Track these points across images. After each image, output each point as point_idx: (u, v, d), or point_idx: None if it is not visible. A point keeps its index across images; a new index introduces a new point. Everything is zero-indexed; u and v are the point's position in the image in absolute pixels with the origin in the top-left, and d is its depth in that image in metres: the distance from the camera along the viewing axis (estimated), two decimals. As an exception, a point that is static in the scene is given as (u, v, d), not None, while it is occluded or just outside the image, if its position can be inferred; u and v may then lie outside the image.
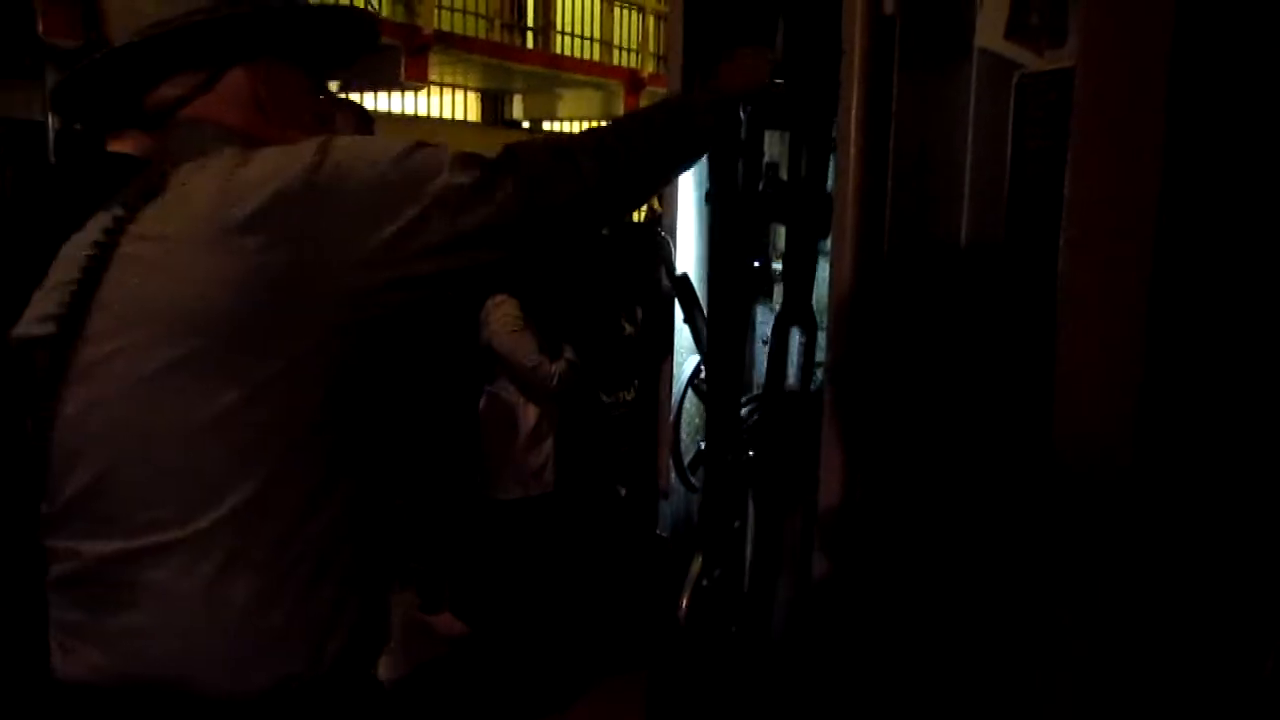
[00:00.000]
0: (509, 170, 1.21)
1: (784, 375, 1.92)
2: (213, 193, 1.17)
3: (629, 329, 4.43)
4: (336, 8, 1.50)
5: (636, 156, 1.33)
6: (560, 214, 1.26)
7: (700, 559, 1.93)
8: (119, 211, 1.22)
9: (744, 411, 1.98)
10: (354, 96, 7.07)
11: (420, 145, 1.22)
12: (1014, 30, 1.58)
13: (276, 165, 1.17)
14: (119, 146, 2.29)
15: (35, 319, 1.25)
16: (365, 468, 1.26)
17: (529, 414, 3.90)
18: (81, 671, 1.21)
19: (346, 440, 1.23)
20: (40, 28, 5.87)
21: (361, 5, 8.44)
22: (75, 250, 1.24)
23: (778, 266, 1.97)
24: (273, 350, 1.14)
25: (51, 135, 5.60)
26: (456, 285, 1.25)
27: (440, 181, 1.18)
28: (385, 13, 8.70)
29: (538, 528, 3.92)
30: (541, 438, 3.90)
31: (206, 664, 1.17)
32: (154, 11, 1.28)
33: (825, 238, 1.80)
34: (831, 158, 1.72)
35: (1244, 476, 1.34)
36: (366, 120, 3.03)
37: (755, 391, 2.02)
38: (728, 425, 1.93)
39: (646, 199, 1.33)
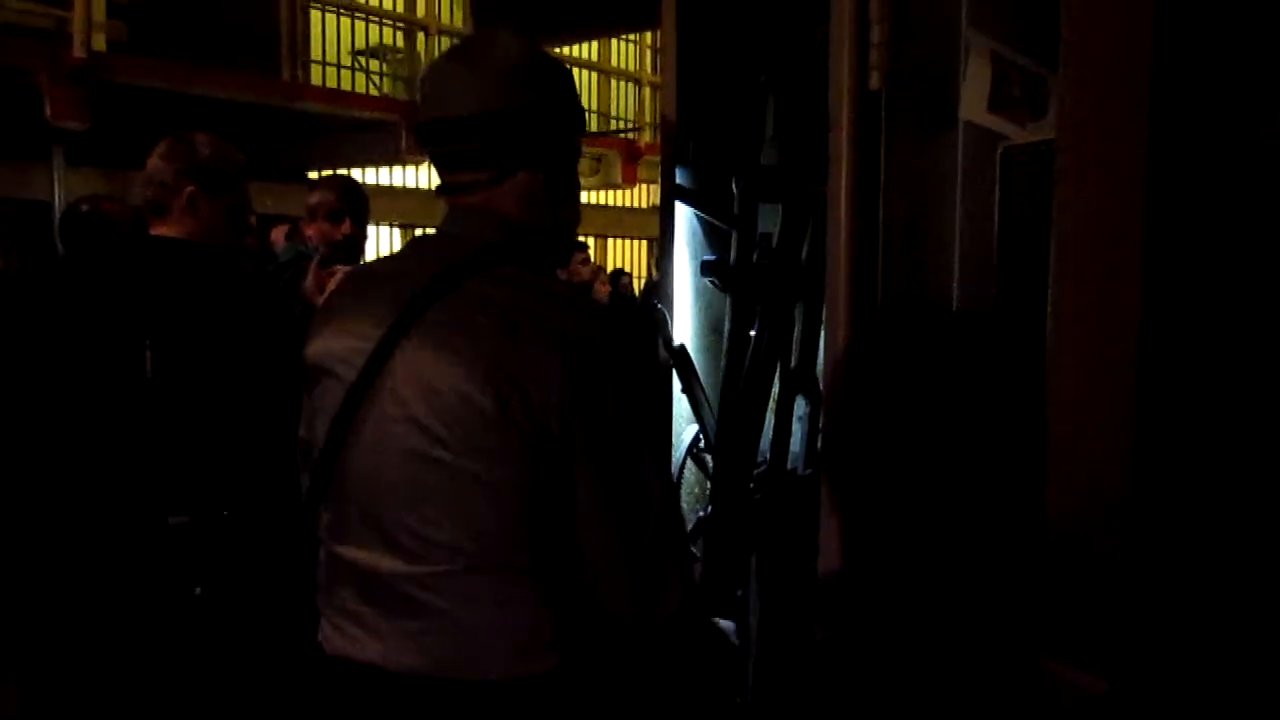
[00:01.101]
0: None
1: (788, 442, 1.93)
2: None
3: None
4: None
5: None
6: None
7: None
8: (421, 287, 1.37)
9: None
10: (354, 172, 7.17)
11: None
12: (996, 103, 1.61)
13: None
14: (163, 230, 2.34)
15: (337, 355, 1.41)
16: None
17: None
18: (356, 652, 1.40)
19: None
20: (47, 110, 5.96)
21: (363, 84, 8.58)
22: (362, 305, 1.42)
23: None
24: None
25: (57, 216, 5.67)
26: None
27: None
28: (386, 89, 8.84)
29: None
30: None
31: (488, 658, 1.36)
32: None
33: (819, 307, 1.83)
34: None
35: (1238, 538, 1.35)
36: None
37: (760, 457, 2.03)
38: (735, 494, 1.94)
39: None
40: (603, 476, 1.34)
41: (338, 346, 1.42)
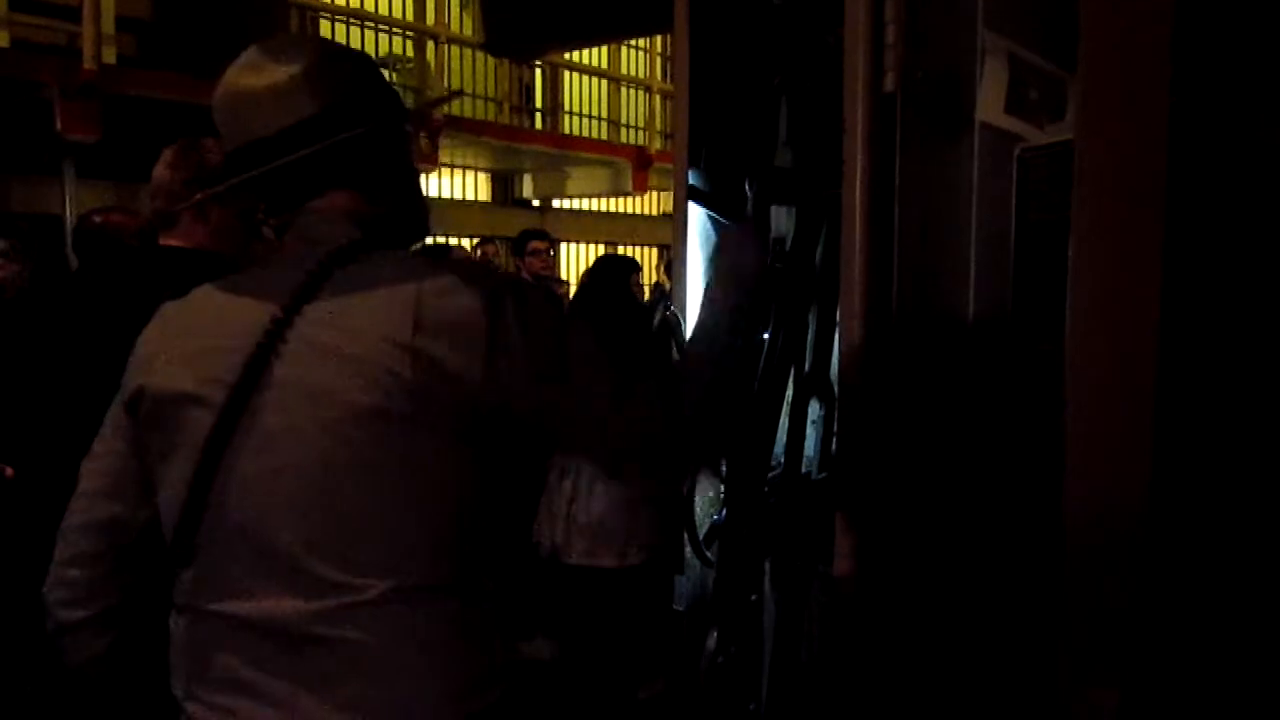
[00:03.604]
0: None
1: (803, 447, 1.92)
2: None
3: None
4: None
5: None
6: None
7: (716, 634, 1.92)
8: (285, 299, 1.29)
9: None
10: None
11: None
12: (1014, 105, 1.60)
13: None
14: (173, 241, 2.34)
15: (200, 380, 1.30)
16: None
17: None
18: None
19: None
20: (58, 124, 5.98)
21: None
22: (222, 322, 1.33)
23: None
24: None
25: (68, 230, 5.68)
26: None
27: None
28: (397, 99, 8.84)
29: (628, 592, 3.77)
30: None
31: (421, 705, 1.24)
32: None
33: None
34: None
35: (1259, 547, 1.34)
36: None
37: (773, 460, 2.02)
38: (750, 499, 1.93)
39: None
40: (553, 372, 1.28)
41: (193, 373, 1.31)
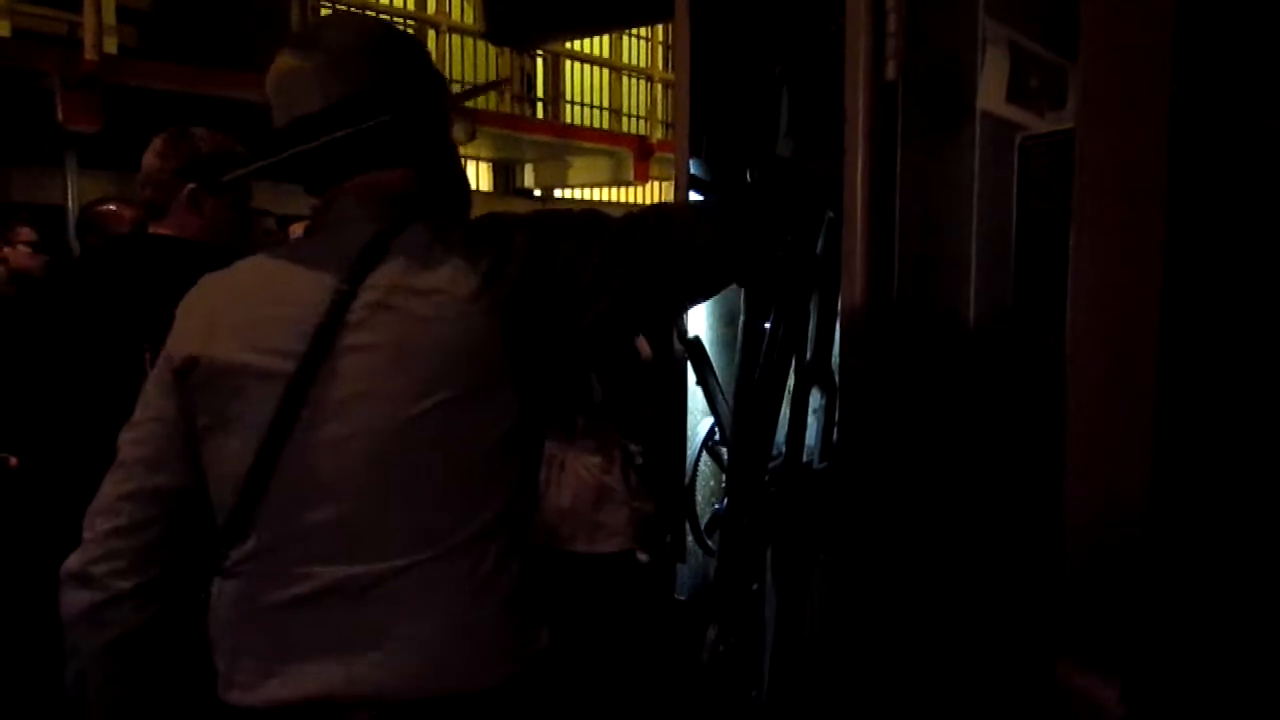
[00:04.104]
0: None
1: (804, 436, 1.92)
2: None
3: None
4: None
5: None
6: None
7: (717, 622, 1.93)
8: (344, 270, 1.32)
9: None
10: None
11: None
12: (1015, 94, 1.60)
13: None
14: (162, 230, 2.32)
15: (260, 351, 1.33)
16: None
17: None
18: (294, 691, 1.27)
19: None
20: (59, 114, 5.98)
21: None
22: (277, 294, 1.36)
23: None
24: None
25: (71, 221, 5.68)
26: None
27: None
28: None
29: (601, 581, 3.81)
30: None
31: (472, 658, 1.29)
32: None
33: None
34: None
35: (1261, 542, 1.34)
36: None
37: (774, 450, 2.02)
38: (751, 488, 1.93)
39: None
40: (620, 242, 1.37)
41: (251, 344, 1.33)
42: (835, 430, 1.90)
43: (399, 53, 1.44)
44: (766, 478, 1.96)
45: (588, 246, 1.36)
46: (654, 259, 1.40)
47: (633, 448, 3.89)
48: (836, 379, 1.87)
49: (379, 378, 1.28)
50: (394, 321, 1.29)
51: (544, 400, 1.39)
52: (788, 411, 1.95)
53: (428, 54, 1.53)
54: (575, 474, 3.75)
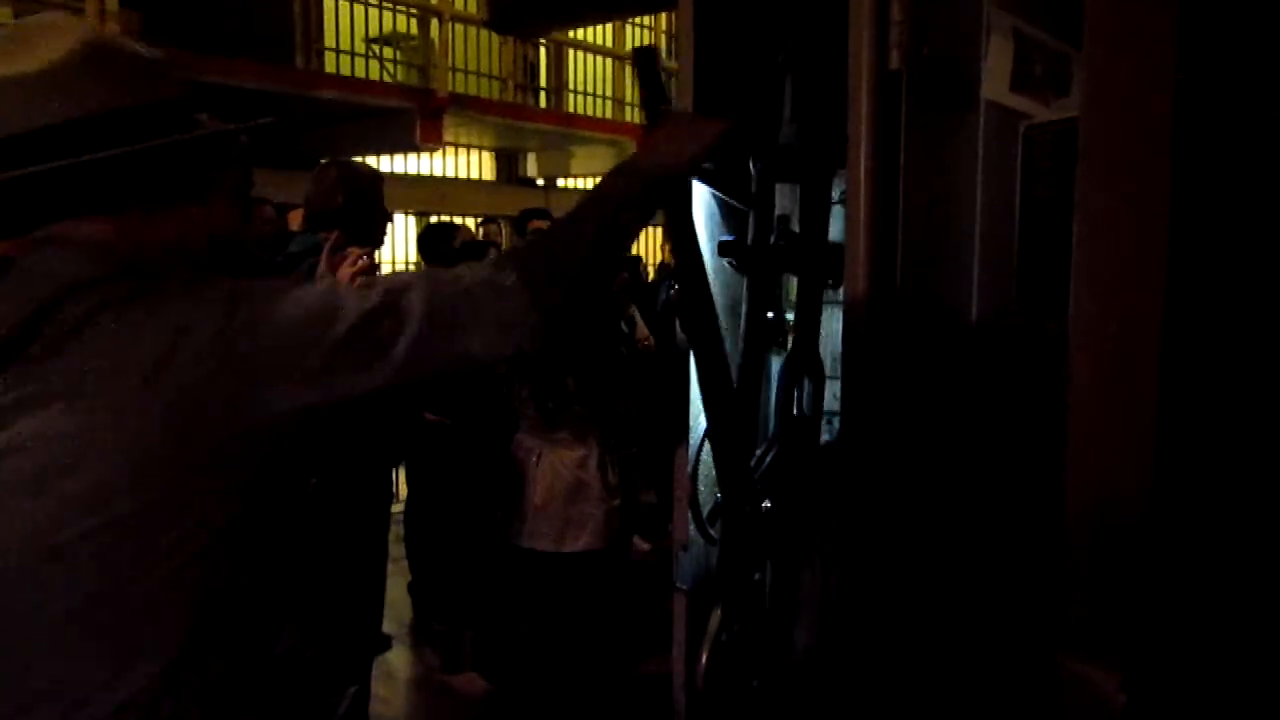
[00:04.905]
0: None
1: (793, 422, 1.92)
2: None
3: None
4: None
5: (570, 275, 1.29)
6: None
7: (719, 612, 1.93)
8: None
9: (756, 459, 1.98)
10: (370, 160, 7.17)
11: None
12: (1019, 82, 1.60)
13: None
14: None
15: None
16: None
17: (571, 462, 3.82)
18: None
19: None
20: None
21: (376, 71, 8.58)
22: None
23: (790, 318, 1.99)
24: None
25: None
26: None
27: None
28: (400, 77, 8.83)
29: (569, 581, 3.84)
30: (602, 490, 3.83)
31: None
32: None
33: (837, 288, 1.82)
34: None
35: (1261, 535, 1.34)
36: None
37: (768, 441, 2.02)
38: (738, 475, 1.93)
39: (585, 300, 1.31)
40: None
41: None
42: (824, 419, 1.91)
43: (141, 71, 1.19)
44: (752, 467, 1.96)
45: (311, 335, 1.12)
46: (394, 348, 1.15)
47: (613, 442, 3.91)
48: (828, 366, 1.88)
49: (15, 496, 1.03)
50: (38, 425, 1.04)
51: (288, 488, 1.18)
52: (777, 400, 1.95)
53: (180, 80, 1.26)
54: (551, 468, 3.77)
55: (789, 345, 1.96)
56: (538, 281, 1.23)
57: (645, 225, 1.44)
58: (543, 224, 6.58)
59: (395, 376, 1.15)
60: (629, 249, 1.46)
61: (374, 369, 1.14)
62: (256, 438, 1.10)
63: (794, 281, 2.00)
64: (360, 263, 2.67)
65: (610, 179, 1.42)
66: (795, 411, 1.95)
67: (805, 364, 1.91)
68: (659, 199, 1.48)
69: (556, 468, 3.76)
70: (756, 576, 1.99)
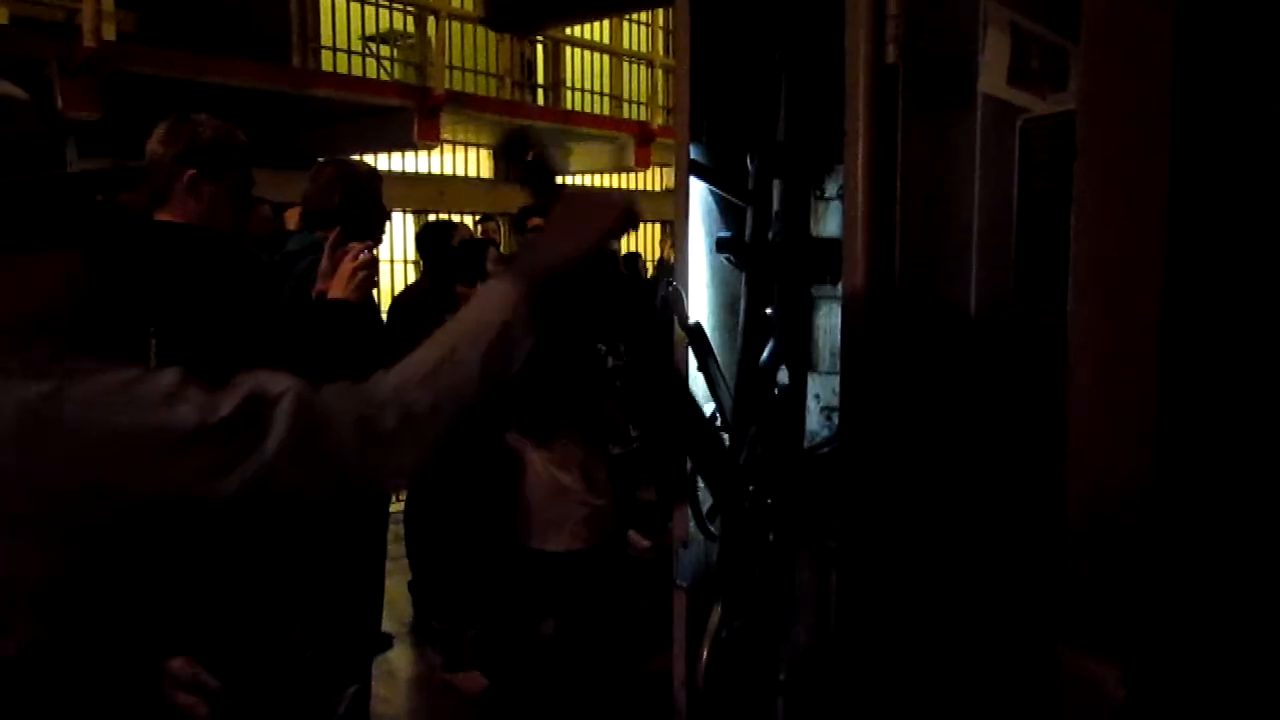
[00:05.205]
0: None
1: (789, 418, 1.92)
2: None
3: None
4: None
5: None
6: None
7: (720, 609, 1.93)
8: None
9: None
10: (367, 158, 7.16)
11: None
12: (1016, 76, 1.59)
13: None
14: (165, 216, 2.32)
15: None
16: None
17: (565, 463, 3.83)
18: None
19: None
20: (59, 102, 5.96)
21: (374, 70, 8.57)
22: None
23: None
24: None
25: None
26: None
27: None
28: (398, 75, 8.82)
29: (556, 580, 3.85)
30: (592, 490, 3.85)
31: None
32: None
33: (835, 283, 1.82)
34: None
35: (1262, 529, 1.34)
36: None
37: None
38: (726, 472, 1.94)
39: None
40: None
41: None
42: (823, 414, 1.91)
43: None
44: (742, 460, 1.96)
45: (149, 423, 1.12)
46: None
47: (611, 447, 3.93)
48: (823, 363, 1.89)
49: None
50: None
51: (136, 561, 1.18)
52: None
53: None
54: (533, 469, 3.79)
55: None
56: (419, 426, 1.17)
57: (543, 336, 1.30)
58: (542, 221, 6.56)
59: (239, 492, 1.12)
60: (522, 362, 1.29)
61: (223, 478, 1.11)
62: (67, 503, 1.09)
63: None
64: (362, 256, 2.66)
65: (496, 289, 1.29)
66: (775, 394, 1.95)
67: (787, 353, 1.91)
68: (554, 303, 1.31)
69: (537, 467, 3.79)
70: (757, 573, 1.99)
